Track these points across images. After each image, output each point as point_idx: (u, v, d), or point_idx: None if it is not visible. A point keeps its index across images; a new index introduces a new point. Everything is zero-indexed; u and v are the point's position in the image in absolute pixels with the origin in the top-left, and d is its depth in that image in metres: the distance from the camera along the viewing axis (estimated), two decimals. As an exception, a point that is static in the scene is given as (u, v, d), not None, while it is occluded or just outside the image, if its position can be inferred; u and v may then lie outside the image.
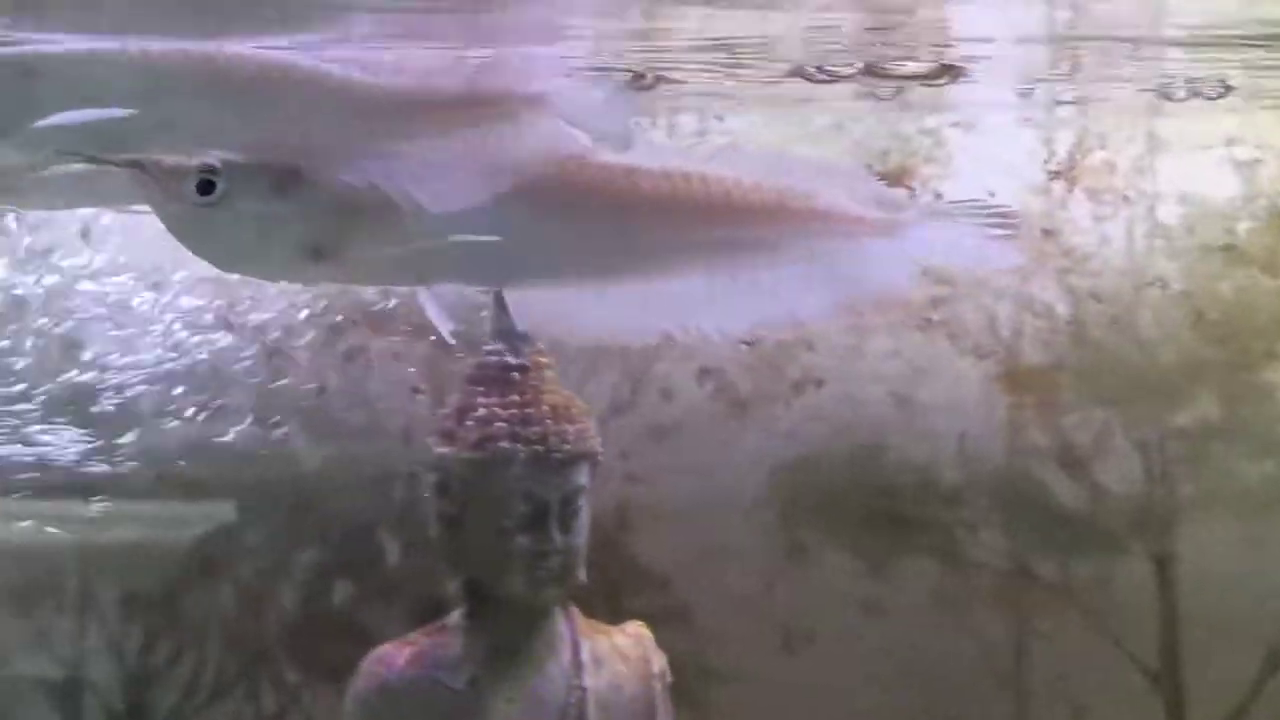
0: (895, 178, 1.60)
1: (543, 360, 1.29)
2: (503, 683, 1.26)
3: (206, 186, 1.14)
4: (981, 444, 1.71)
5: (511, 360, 1.27)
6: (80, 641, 1.85)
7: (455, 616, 1.29)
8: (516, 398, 1.26)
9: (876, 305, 1.30)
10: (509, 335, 1.28)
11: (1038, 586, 1.72)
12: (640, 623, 1.36)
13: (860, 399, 1.62)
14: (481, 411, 1.25)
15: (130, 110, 1.18)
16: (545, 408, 1.25)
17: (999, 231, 1.21)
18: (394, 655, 1.26)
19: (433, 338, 1.67)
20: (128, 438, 1.70)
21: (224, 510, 1.80)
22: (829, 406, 1.63)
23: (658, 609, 1.46)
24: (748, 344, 1.63)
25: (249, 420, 1.66)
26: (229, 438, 1.68)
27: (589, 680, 1.28)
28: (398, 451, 1.68)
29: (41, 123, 1.14)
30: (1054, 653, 1.72)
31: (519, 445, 1.23)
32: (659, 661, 1.33)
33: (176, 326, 1.63)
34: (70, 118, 1.14)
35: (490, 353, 1.28)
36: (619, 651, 1.32)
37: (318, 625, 1.89)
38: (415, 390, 1.67)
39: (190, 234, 1.17)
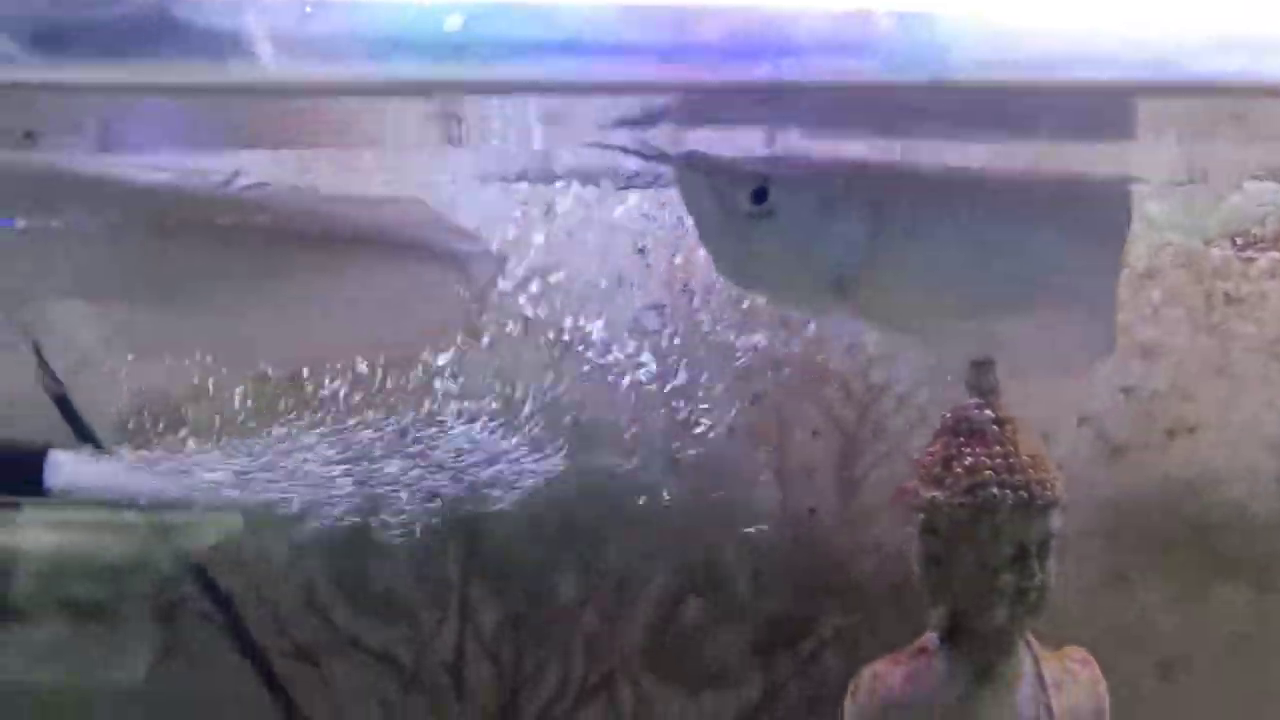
0: (1273, 241, 1.75)
1: (1014, 415, 1.45)
2: (985, 701, 1.42)
3: (760, 195, 1.09)
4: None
5: (991, 414, 1.43)
6: (461, 648, 2.04)
7: (933, 640, 1.45)
8: (999, 448, 1.41)
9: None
10: (988, 390, 1.45)
11: None
12: (1083, 649, 1.52)
13: (1233, 444, 1.78)
14: (969, 461, 1.41)
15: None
16: (1025, 457, 1.41)
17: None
18: (889, 674, 1.43)
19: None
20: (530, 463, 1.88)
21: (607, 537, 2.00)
22: (1202, 451, 1.79)
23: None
24: (1126, 392, 1.79)
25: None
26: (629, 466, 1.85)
27: (1054, 699, 1.44)
28: (802, 485, 1.87)
29: None
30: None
31: (1007, 491, 1.39)
32: (1103, 683, 1.49)
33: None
34: None
35: (970, 407, 1.44)
36: (1071, 674, 1.47)
37: (670, 641, 2.08)
38: (814, 432, 1.85)
39: (728, 248, 1.14)
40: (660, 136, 1.11)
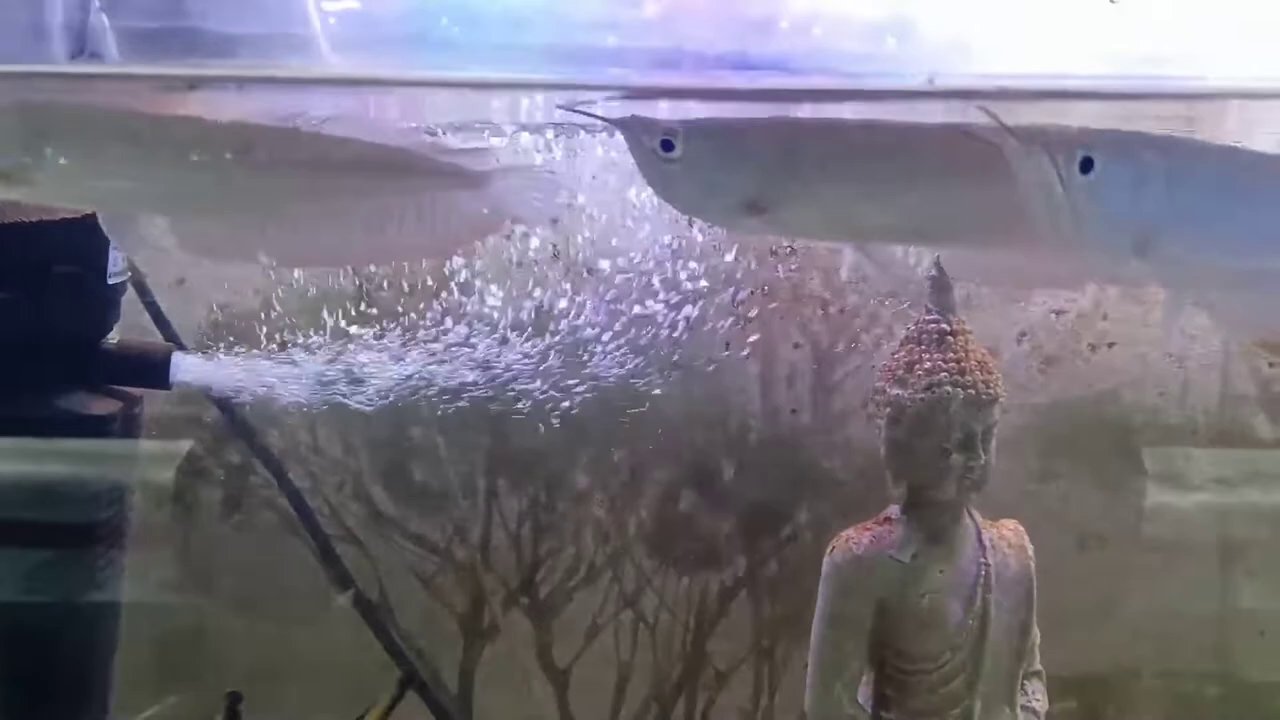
0: None
1: (966, 327, 1.76)
2: (936, 558, 1.73)
3: (668, 145, 1.44)
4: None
5: (946, 326, 1.74)
6: (487, 535, 2.34)
7: (895, 511, 1.77)
8: (953, 354, 1.71)
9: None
10: (944, 307, 1.75)
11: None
12: (1015, 521, 1.84)
13: (1144, 357, 2.11)
14: (928, 364, 1.71)
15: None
16: (974, 362, 1.71)
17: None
18: (859, 537, 1.74)
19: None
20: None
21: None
22: (1119, 363, 2.12)
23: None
24: (1058, 313, 2.12)
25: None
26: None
27: (991, 558, 1.76)
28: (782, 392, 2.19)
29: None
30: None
31: (959, 389, 1.70)
32: (1030, 548, 1.81)
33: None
34: None
35: (929, 320, 1.75)
36: (1005, 539, 1.79)
37: (666, 527, 2.39)
38: (795, 345, 2.16)
39: (656, 183, 1.50)
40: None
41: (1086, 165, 1.33)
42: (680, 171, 1.45)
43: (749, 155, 1.47)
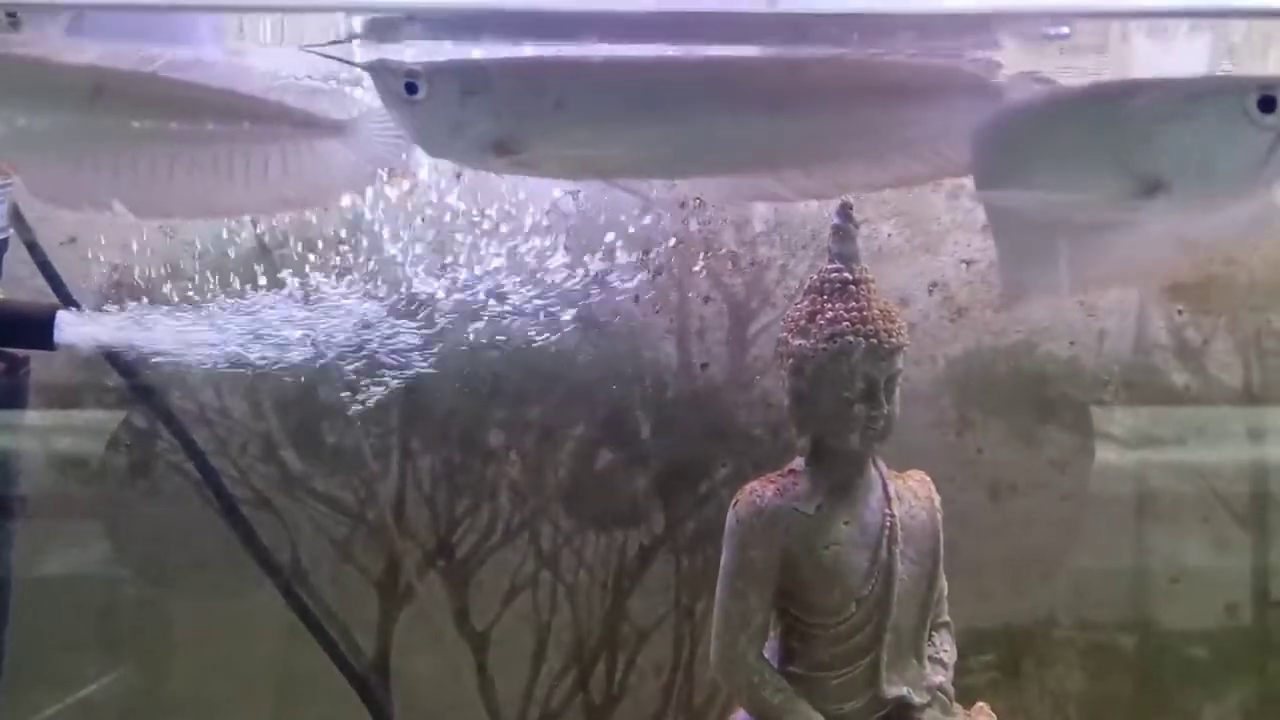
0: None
1: (869, 276, 1.74)
2: (840, 510, 1.71)
3: (411, 88, 1.48)
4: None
5: (849, 275, 1.72)
6: (401, 494, 2.31)
7: (800, 463, 1.75)
8: (855, 303, 1.69)
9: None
10: (847, 256, 1.73)
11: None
12: (922, 471, 1.83)
13: (1056, 306, 2.10)
14: (830, 314, 1.69)
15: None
16: (876, 311, 1.69)
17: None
18: (762, 489, 1.72)
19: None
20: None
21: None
22: (1031, 312, 2.11)
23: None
24: (968, 263, 2.10)
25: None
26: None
27: (896, 509, 1.74)
28: (695, 347, 2.16)
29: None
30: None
31: (860, 339, 1.68)
32: (938, 498, 1.80)
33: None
34: None
35: (832, 269, 1.73)
36: (911, 490, 1.78)
37: (584, 486, 2.36)
38: (706, 299, 2.13)
39: (404, 125, 1.52)
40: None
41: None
42: (426, 113, 1.47)
43: (493, 96, 1.47)
